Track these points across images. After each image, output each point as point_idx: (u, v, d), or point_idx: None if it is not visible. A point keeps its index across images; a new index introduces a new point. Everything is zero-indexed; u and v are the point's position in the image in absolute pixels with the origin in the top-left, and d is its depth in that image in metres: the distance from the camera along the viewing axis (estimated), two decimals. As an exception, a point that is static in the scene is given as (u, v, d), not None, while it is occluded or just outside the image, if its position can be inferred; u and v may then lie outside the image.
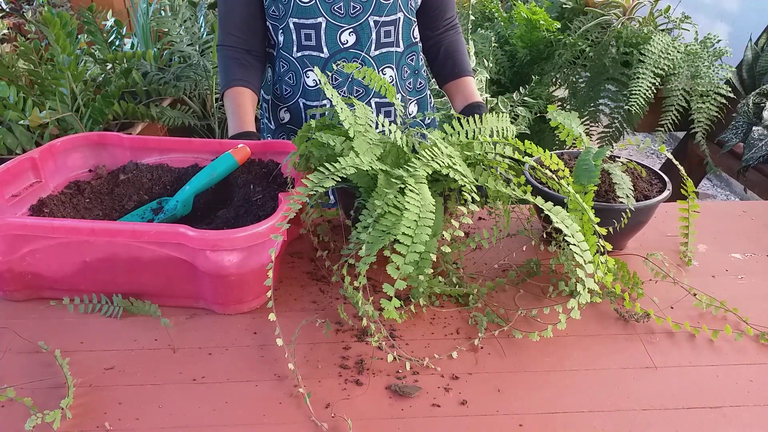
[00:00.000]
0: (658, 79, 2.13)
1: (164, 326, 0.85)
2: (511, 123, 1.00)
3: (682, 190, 1.03)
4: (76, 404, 0.72)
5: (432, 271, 0.81)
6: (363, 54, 1.26)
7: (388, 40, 1.27)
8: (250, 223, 0.87)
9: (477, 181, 0.89)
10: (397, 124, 0.92)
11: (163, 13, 2.47)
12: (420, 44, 1.36)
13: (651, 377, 0.78)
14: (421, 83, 1.39)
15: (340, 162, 0.79)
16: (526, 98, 2.22)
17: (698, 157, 2.32)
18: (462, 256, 1.04)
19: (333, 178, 0.78)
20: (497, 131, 0.95)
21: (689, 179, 1.02)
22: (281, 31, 1.25)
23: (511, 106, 2.19)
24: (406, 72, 1.34)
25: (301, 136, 0.96)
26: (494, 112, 1.37)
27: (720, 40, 2.25)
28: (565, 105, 2.38)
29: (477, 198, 0.83)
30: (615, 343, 0.85)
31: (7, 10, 2.59)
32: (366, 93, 1.30)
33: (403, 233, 0.75)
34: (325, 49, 1.24)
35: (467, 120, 0.94)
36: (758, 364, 0.81)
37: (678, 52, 2.18)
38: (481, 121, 0.94)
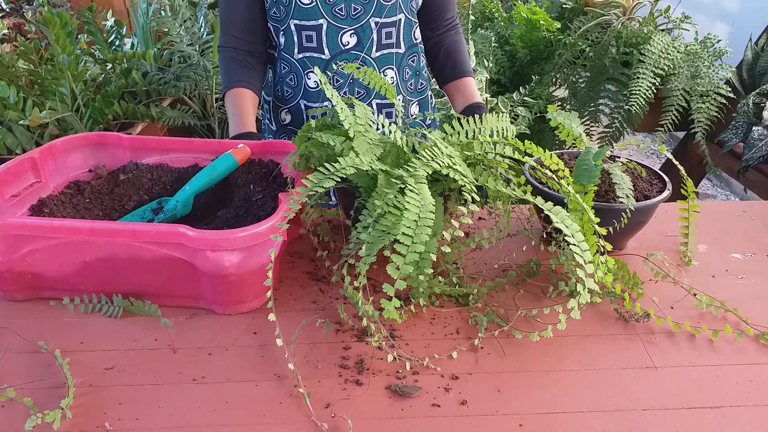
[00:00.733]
0: (658, 79, 2.13)
1: (164, 326, 0.85)
2: (511, 123, 1.00)
3: (682, 190, 1.03)
4: (76, 404, 0.72)
5: (432, 271, 0.81)
6: (364, 55, 1.26)
7: (389, 42, 1.27)
8: (250, 223, 0.87)
9: (477, 181, 0.89)
10: (397, 125, 0.92)
11: (163, 13, 2.47)
12: (421, 45, 1.36)
13: (651, 377, 0.78)
14: (422, 84, 1.39)
15: (340, 162, 0.79)
16: (526, 98, 2.22)
17: (698, 157, 2.32)
18: (462, 256, 1.04)
19: (333, 178, 0.78)
20: (497, 131, 0.95)
21: (689, 179, 1.02)
22: (282, 32, 1.25)
23: (511, 106, 2.19)
24: (408, 73, 1.34)
25: (301, 136, 0.96)
26: (494, 112, 1.37)
27: (720, 40, 2.25)
28: (565, 105, 2.38)
29: (477, 198, 0.83)
30: (615, 343, 0.85)
31: (7, 10, 2.59)
32: (367, 94, 1.30)
33: (403, 233, 0.75)
34: (326, 51, 1.24)
35: (467, 120, 0.94)
36: (758, 364, 0.81)
37: (678, 52, 2.18)
38: (481, 121, 0.94)
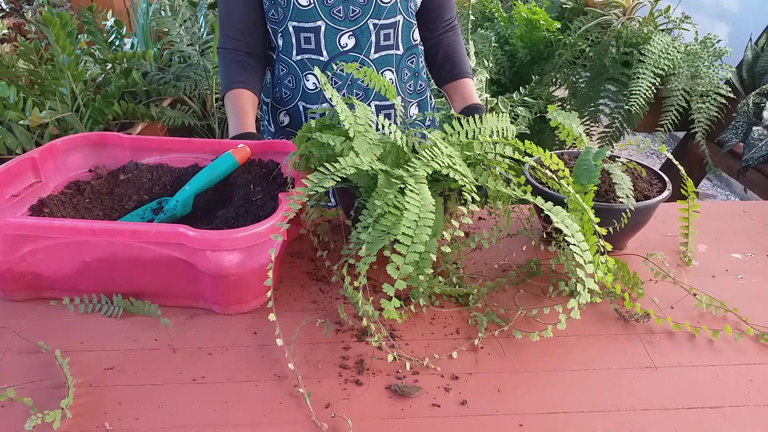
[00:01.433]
0: (658, 79, 2.13)
1: (164, 326, 0.85)
2: (511, 123, 1.00)
3: (682, 190, 1.03)
4: (76, 404, 0.72)
5: (432, 271, 0.81)
6: (362, 57, 1.26)
7: (387, 43, 1.27)
8: (250, 223, 0.87)
9: (477, 181, 0.89)
10: (397, 125, 0.92)
11: (163, 13, 2.47)
12: (420, 47, 1.36)
13: (651, 377, 0.78)
14: (421, 85, 1.39)
15: (340, 162, 0.79)
16: (526, 98, 2.22)
17: (698, 157, 2.32)
18: (462, 256, 1.04)
19: (333, 178, 0.78)
20: (497, 131, 0.95)
21: (689, 179, 1.02)
22: (281, 34, 1.25)
23: (511, 106, 2.19)
24: (406, 74, 1.34)
25: (301, 136, 0.96)
26: (494, 112, 1.37)
27: (720, 40, 2.25)
28: (565, 105, 2.38)
29: (477, 198, 0.83)
30: (615, 343, 0.85)
31: (7, 10, 2.59)
32: (366, 95, 1.30)
33: (403, 233, 0.75)
34: (324, 53, 1.24)
35: (467, 120, 0.94)
36: (758, 364, 0.81)
37: (678, 52, 2.18)
38: (481, 121, 0.94)
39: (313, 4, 1.20)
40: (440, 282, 0.92)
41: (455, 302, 0.93)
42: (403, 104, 1.35)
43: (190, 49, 2.31)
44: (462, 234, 0.81)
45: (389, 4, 1.23)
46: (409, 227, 0.75)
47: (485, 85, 2.13)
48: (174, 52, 2.32)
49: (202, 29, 2.42)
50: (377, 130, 1.10)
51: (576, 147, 1.08)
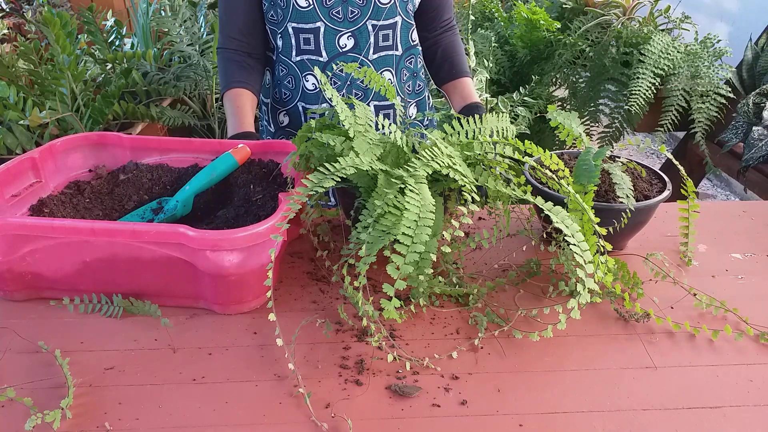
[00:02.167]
0: (658, 79, 2.13)
1: (164, 326, 0.85)
2: (511, 123, 1.00)
3: (682, 190, 1.03)
4: (76, 404, 0.72)
5: (432, 271, 0.81)
6: (361, 58, 1.26)
7: (386, 44, 1.27)
8: (250, 223, 0.87)
9: (477, 181, 0.89)
10: (396, 125, 0.92)
11: (163, 13, 2.47)
12: (419, 47, 1.36)
13: (651, 377, 0.78)
14: (420, 86, 1.39)
15: (340, 162, 0.79)
16: (526, 98, 2.22)
17: (698, 157, 2.32)
18: (462, 256, 1.04)
19: (333, 178, 0.78)
20: (497, 131, 0.95)
21: (689, 179, 1.02)
22: (280, 35, 1.26)
23: (511, 106, 2.19)
24: (405, 75, 1.34)
25: (301, 136, 0.96)
26: (494, 112, 1.36)
27: (720, 40, 2.25)
28: (565, 105, 2.38)
29: (477, 198, 0.83)
30: (615, 343, 0.85)
31: (7, 10, 2.59)
32: (365, 96, 1.31)
33: (403, 233, 0.75)
34: (323, 53, 1.25)
35: (467, 120, 0.94)
36: (758, 364, 0.81)
37: (678, 52, 2.18)
38: (481, 121, 0.94)
39: (312, 6, 1.20)
40: (440, 282, 0.91)
41: (455, 302, 0.93)
42: (402, 104, 1.35)
43: (190, 49, 2.31)
44: (462, 234, 0.81)
45: (388, 5, 1.23)
46: (409, 227, 0.75)
47: (485, 85, 2.13)
48: (174, 52, 2.32)
49: (202, 29, 2.42)
50: (377, 130, 1.10)
51: (576, 147, 1.08)
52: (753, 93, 2.14)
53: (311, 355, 0.81)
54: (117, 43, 2.28)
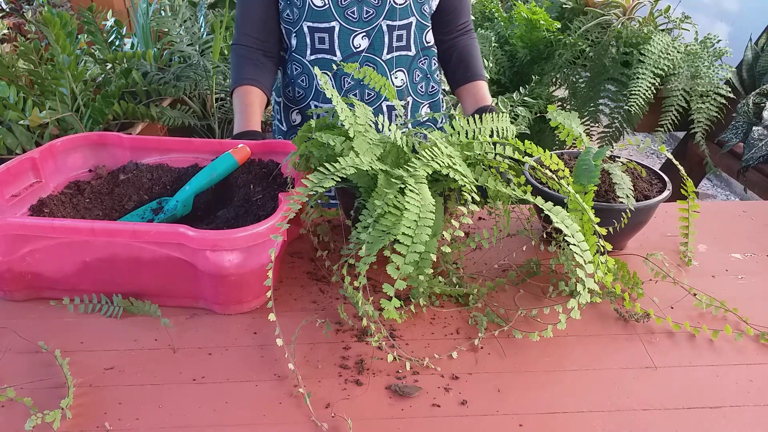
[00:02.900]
0: (658, 79, 2.13)
1: (164, 326, 0.85)
2: (511, 123, 1.00)
3: (682, 190, 1.03)
4: (76, 404, 0.72)
5: (432, 271, 0.81)
6: (375, 58, 1.26)
7: (400, 44, 1.27)
8: (250, 223, 0.87)
9: (477, 181, 0.89)
10: (398, 125, 0.92)
11: (163, 13, 2.47)
12: (433, 49, 1.36)
13: (651, 377, 0.78)
14: (433, 87, 1.39)
15: (340, 162, 0.79)
16: (526, 98, 2.22)
17: (698, 157, 2.32)
18: (462, 256, 1.04)
19: (333, 178, 0.78)
20: (497, 131, 0.95)
21: (689, 179, 1.02)
22: (295, 34, 1.26)
23: (511, 106, 2.19)
24: (418, 76, 1.34)
25: (301, 136, 0.96)
26: (494, 112, 1.36)
27: (720, 40, 2.25)
28: (565, 105, 2.38)
29: (477, 198, 0.83)
30: (615, 343, 0.85)
31: (7, 10, 2.60)
32: (377, 97, 1.30)
33: (403, 233, 0.75)
34: (337, 53, 1.25)
35: (467, 120, 0.94)
36: (758, 364, 0.81)
37: (678, 52, 2.18)
38: (481, 121, 0.94)
39: (327, 5, 1.20)
40: (440, 282, 0.91)
41: (455, 302, 0.93)
42: (404, 104, 1.34)
43: (190, 49, 2.31)
44: (462, 234, 0.81)
45: (403, 6, 1.23)
46: (409, 227, 0.75)
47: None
48: (174, 52, 2.32)
49: (202, 29, 2.42)
50: (378, 130, 1.10)
51: (576, 147, 1.08)
52: (753, 93, 2.14)
53: (311, 355, 0.81)
54: (117, 43, 2.28)
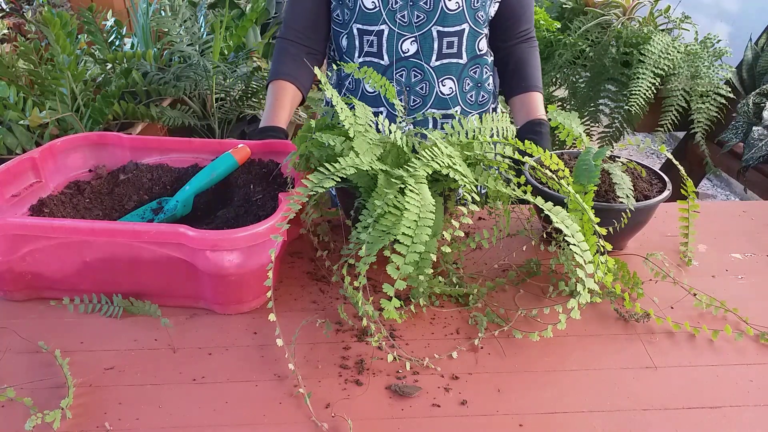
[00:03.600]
0: (658, 79, 2.13)
1: (164, 326, 0.85)
2: (511, 123, 1.00)
3: (682, 190, 1.03)
4: (76, 404, 0.72)
5: (432, 271, 0.81)
6: (423, 64, 1.23)
7: (450, 51, 1.24)
8: (250, 223, 0.87)
9: (477, 181, 0.89)
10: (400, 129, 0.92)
11: (163, 13, 2.47)
12: (487, 57, 1.31)
13: (651, 377, 0.78)
14: (483, 97, 1.34)
15: (340, 162, 0.80)
16: (526, 98, 2.22)
17: (698, 157, 2.32)
18: (462, 256, 1.04)
19: (333, 178, 0.78)
20: (497, 131, 0.95)
21: (689, 179, 1.02)
22: (345, 35, 1.25)
23: (511, 106, 2.19)
24: (468, 84, 1.29)
25: (301, 136, 0.96)
26: (494, 113, 1.36)
27: (720, 40, 2.25)
28: (565, 105, 2.38)
29: (477, 198, 0.83)
30: (615, 343, 0.85)
31: (7, 10, 2.60)
32: (423, 103, 1.27)
33: (403, 233, 0.75)
34: (385, 57, 1.23)
35: (467, 120, 0.94)
36: (758, 364, 0.81)
37: (678, 52, 2.18)
38: (482, 122, 0.94)
39: (378, 8, 1.19)
40: (440, 282, 0.91)
41: (455, 302, 0.93)
42: (402, 104, 1.34)
43: (190, 49, 2.30)
44: (462, 234, 0.81)
45: (455, 12, 1.20)
46: (409, 227, 0.75)
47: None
48: (174, 52, 2.32)
49: (202, 29, 2.42)
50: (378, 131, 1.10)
51: (576, 147, 1.08)
52: (753, 93, 2.14)
53: (311, 355, 0.81)
54: (117, 43, 2.28)
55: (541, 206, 0.83)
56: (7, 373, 0.77)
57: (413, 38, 1.21)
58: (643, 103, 2.09)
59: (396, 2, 1.19)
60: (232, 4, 2.66)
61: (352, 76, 1.28)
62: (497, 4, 1.27)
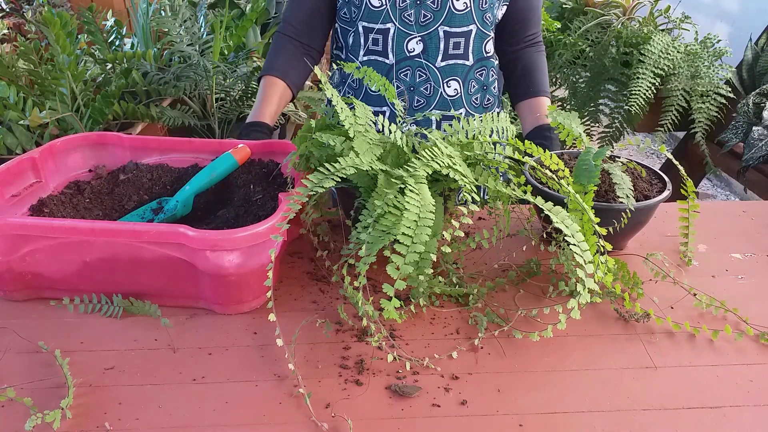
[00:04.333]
0: (658, 79, 2.13)
1: (164, 326, 0.85)
2: (511, 123, 1.00)
3: (682, 190, 1.03)
4: (76, 404, 0.72)
5: (432, 271, 0.81)
6: (428, 63, 1.23)
7: (456, 52, 1.23)
8: (250, 223, 0.87)
9: (477, 181, 0.89)
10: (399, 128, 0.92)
11: (163, 13, 2.47)
12: (494, 60, 1.30)
13: (651, 377, 0.78)
14: (489, 100, 1.33)
15: (340, 162, 0.80)
16: (526, 98, 2.22)
17: (698, 157, 2.32)
18: (462, 256, 1.04)
19: (333, 178, 0.78)
20: (497, 131, 0.95)
21: (689, 179, 1.02)
22: (351, 33, 1.25)
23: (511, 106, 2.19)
24: (473, 87, 1.29)
25: (301, 136, 0.96)
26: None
27: (720, 40, 2.25)
28: (565, 105, 2.38)
29: (477, 198, 0.83)
30: (615, 343, 0.85)
31: (7, 10, 2.60)
32: (427, 104, 1.27)
33: (403, 233, 0.75)
34: (390, 56, 1.23)
35: (467, 120, 0.94)
36: (758, 364, 0.81)
37: (678, 52, 2.18)
38: (481, 122, 0.94)
39: (385, 6, 1.18)
40: (440, 282, 0.91)
41: (455, 302, 0.93)
42: (403, 104, 1.34)
43: (190, 49, 2.30)
44: (462, 234, 0.81)
45: (463, 12, 1.19)
46: (409, 227, 0.75)
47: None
48: (174, 52, 2.32)
49: (202, 29, 2.42)
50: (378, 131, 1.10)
51: (576, 147, 1.08)
52: (753, 93, 2.14)
53: (311, 355, 0.81)
54: (117, 43, 2.28)
55: (541, 206, 0.83)
56: (7, 373, 0.77)
57: (419, 38, 1.21)
58: (643, 103, 2.09)
59: (403, 0, 1.18)
60: (232, 4, 2.66)
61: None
62: (505, 6, 1.26)
